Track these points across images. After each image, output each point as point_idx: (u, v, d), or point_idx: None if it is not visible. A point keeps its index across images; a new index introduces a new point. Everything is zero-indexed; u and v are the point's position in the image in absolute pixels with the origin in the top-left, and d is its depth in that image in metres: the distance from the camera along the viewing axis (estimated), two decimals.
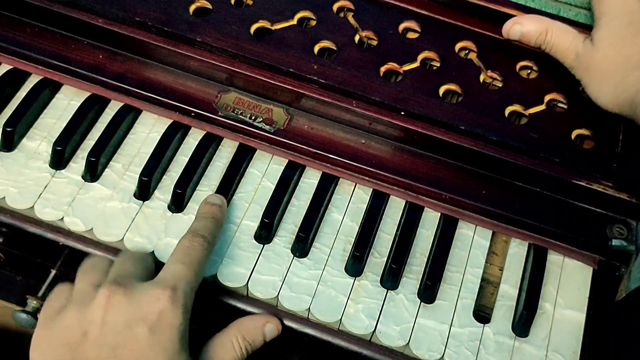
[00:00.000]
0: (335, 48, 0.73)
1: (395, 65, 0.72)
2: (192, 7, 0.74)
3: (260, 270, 0.64)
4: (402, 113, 0.69)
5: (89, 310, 0.55)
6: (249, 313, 0.64)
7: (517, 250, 0.68)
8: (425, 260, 0.66)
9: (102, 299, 0.55)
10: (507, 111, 0.70)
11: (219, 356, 0.59)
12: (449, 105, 0.70)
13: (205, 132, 0.71)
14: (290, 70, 0.70)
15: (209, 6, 0.74)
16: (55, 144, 0.69)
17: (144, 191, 0.67)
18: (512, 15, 0.74)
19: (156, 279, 0.58)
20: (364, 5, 0.76)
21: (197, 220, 0.64)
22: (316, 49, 0.73)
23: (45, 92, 0.72)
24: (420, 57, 0.73)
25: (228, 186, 0.68)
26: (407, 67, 0.72)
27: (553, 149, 0.68)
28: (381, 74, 0.71)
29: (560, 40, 0.70)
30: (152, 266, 0.62)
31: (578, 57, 0.69)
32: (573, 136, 0.70)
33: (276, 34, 0.73)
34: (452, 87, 0.72)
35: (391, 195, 0.69)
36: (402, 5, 0.76)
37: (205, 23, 0.72)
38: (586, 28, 0.72)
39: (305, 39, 0.73)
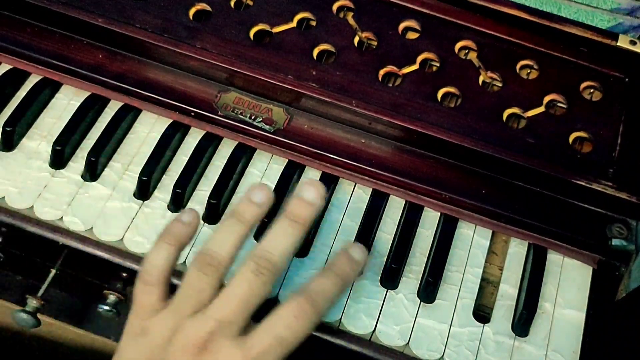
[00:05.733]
0: (334, 50, 0.73)
1: (395, 68, 0.72)
2: (192, 11, 0.74)
3: None
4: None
5: (174, 345, 0.51)
6: None
7: (517, 250, 0.68)
8: (425, 259, 0.66)
9: (190, 347, 0.50)
10: (505, 114, 0.71)
11: None
12: (447, 110, 0.70)
13: (205, 131, 0.71)
14: (289, 77, 0.70)
15: (209, 9, 0.74)
16: (55, 143, 0.68)
17: (143, 191, 0.67)
18: (512, 15, 0.74)
19: (246, 343, 0.50)
20: (364, 5, 0.76)
21: (320, 277, 0.53)
22: (315, 52, 0.73)
23: (45, 92, 0.72)
24: (419, 58, 0.73)
25: (224, 185, 0.67)
26: (406, 70, 0.72)
27: (552, 152, 0.68)
28: (380, 77, 0.71)
29: None
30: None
31: None
32: (572, 138, 0.70)
33: (275, 38, 0.73)
34: (451, 89, 0.72)
35: (391, 195, 0.69)
36: (402, 3, 0.76)
37: (205, 28, 0.72)
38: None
39: (304, 42, 0.73)
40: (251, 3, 0.76)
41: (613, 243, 0.65)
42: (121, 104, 0.72)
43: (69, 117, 0.71)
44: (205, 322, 0.51)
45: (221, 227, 0.55)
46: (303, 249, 0.65)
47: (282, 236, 0.54)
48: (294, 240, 0.54)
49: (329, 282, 0.53)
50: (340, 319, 0.62)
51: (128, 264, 0.65)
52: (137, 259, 0.65)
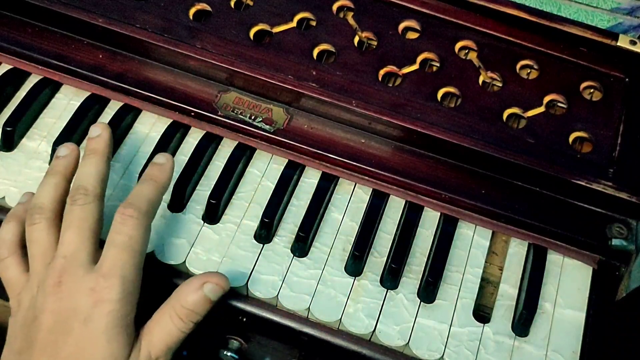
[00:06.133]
0: (334, 50, 0.73)
1: (395, 68, 0.72)
2: (192, 11, 0.74)
3: (260, 269, 0.64)
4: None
5: (39, 297, 0.56)
6: (248, 313, 0.64)
7: (517, 250, 0.68)
8: (425, 259, 0.66)
9: (48, 288, 0.56)
10: (505, 114, 0.71)
11: (155, 334, 0.57)
12: (447, 110, 0.70)
13: (205, 131, 0.71)
14: (289, 77, 0.70)
15: (209, 9, 0.74)
16: (55, 143, 0.68)
17: None
18: (512, 15, 0.74)
19: (96, 266, 0.57)
20: (364, 5, 0.76)
21: (135, 186, 0.62)
22: (315, 52, 0.73)
23: (45, 92, 0.73)
24: (419, 58, 0.73)
25: (224, 185, 0.67)
26: (406, 70, 0.72)
27: (552, 152, 0.68)
28: (380, 77, 0.71)
29: None
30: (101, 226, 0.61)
31: None
32: (572, 138, 0.70)
33: (275, 38, 0.73)
34: (451, 89, 0.72)
35: (391, 195, 0.69)
36: (402, 3, 0.76)
37: (205, 28, 0.73)
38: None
39: (304, 42, 0.73)
40: (251, 3, 0.76)
41: (613, 243, 0.65)
42: (121, 104, 0.72)
43: (69, 117, 0.71)
44: (55, 263, 0.57)
45: (40, 184, 0.62)
46: (303, 249, 0.65)
47: (87, 167, 0.62)
48: (98, 168, 0.62)
49: (142, 186, 0.61)
50: (340, 318, 0.62)
51: None
52: None
